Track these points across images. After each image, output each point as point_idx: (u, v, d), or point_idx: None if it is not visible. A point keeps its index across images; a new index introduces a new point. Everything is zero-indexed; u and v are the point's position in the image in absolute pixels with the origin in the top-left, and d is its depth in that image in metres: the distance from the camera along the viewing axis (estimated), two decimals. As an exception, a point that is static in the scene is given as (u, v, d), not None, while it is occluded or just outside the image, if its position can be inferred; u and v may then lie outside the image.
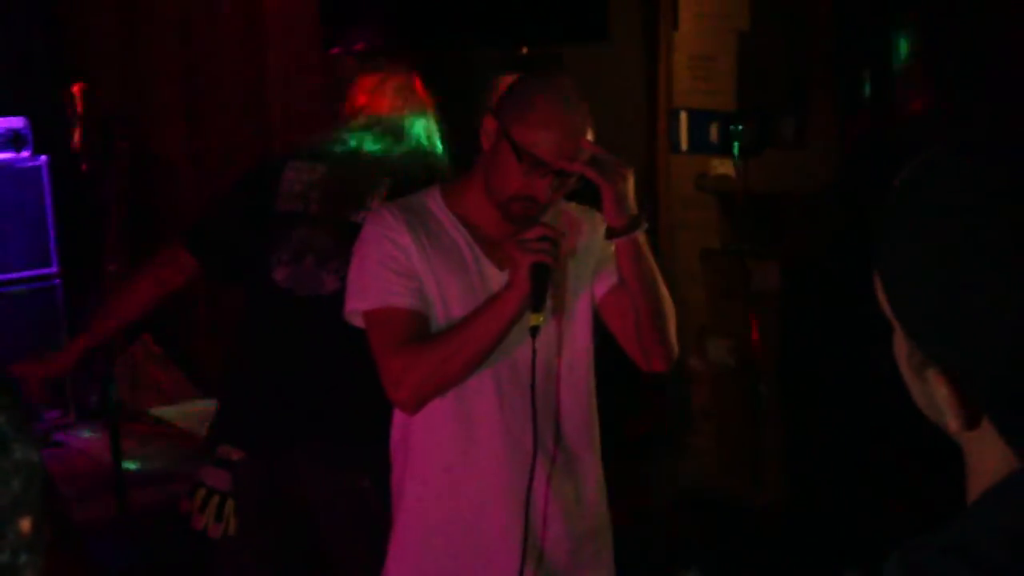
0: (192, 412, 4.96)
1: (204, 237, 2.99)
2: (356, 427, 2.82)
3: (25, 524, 0.94)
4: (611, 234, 2.34)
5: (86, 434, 5.17)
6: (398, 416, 2.48)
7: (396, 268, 2.37)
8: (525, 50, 4.18)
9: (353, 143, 2.94)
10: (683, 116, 4.62)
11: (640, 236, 2.34)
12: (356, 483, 2.81)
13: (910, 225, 1.01)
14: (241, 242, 2.92)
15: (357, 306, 2.41)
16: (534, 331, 2.26)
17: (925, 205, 1.00)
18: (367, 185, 2.87)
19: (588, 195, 2.41)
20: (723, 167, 4.50)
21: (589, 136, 2.33)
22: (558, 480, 2.44)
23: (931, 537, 0.97)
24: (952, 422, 1.01)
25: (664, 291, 2.40)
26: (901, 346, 1.04)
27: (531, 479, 2.34)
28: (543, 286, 2.25)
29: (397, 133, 2.95)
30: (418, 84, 3.05)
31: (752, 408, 4.22)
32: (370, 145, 2.93)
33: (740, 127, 4.30)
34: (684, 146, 4.64)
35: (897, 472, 3.81)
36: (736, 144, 4.28)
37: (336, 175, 2.90)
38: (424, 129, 2.98)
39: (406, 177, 2.85)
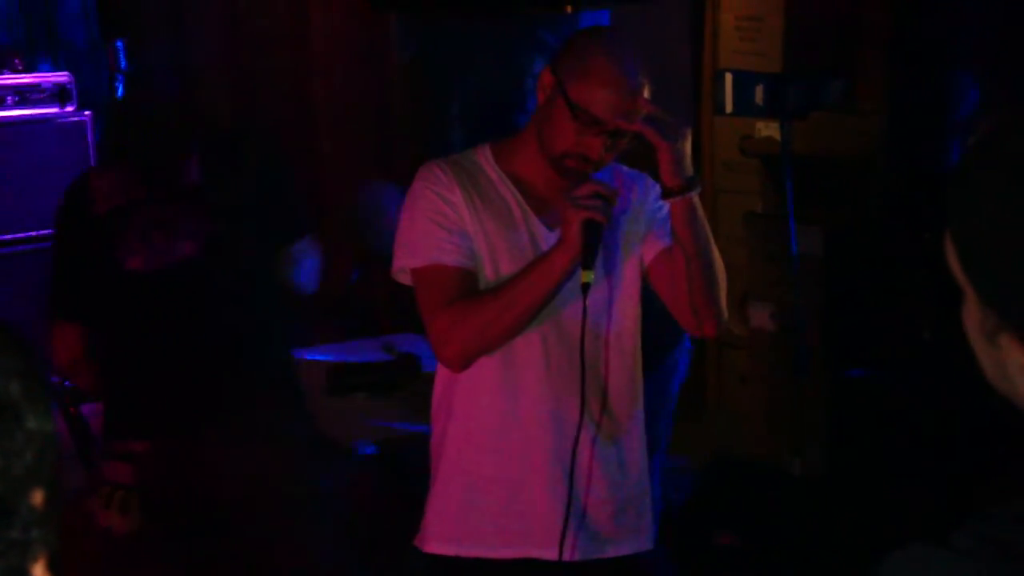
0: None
1: (67, 299, 2.88)
2: (250, 389, 2.78)
3: (37, 497, 0.90)
4: (667, 194, 2.30)
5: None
6: (441, 376, 2.46)
7: (446, 224, 2.34)
8: (569, 9, 4.13)
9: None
10: (728, 77, 4.56)
11: (696, 197, 2.31)
12: (257, 460, 2.75)
13: (988, 184, 0.97)
14: (93, 276, 2.82)
15: (405, 263, 2.38)
16: (585, 288, 2.23)
17: (1005, 163, 0.96)
18: (171, 143, 2.82)
19: (641, 156, 2.37)
20: (768, 130, 4.43)
21: (647, 94, 2.28)
22: (602, 444, 2.42)
23: (1003, 508, 0.94)
24: None
25: (716, 254, 2.37)
26: (973, 313, 1.00)
27: (576, 442, 2.32)
28: (594, 243, 2.22)
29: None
30: None
31: (792, 374, 4.18)
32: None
33: (787, 89, 4.24)
34: (729, 108, 4.58)
35: (939, 444, 3.77)
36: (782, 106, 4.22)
37: (138, 158, 2.83)
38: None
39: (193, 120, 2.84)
